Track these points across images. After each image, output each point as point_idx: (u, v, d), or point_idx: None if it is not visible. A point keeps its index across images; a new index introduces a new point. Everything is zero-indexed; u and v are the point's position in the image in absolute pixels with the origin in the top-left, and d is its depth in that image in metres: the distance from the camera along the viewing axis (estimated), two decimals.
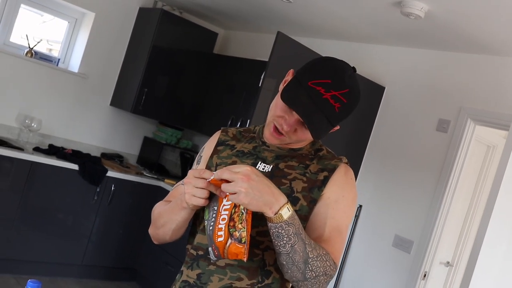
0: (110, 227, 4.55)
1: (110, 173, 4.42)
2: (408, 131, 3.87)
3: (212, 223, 1.27)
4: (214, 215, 1.27)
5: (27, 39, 4.53)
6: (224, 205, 1.25)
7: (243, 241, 1.23)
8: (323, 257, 1.30)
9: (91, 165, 4.34)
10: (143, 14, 4.92)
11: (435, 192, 3.60)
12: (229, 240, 1.23)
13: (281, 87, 1.46)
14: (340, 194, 1.44)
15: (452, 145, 3.59)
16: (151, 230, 1.56)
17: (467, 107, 3.58)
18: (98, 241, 4.50)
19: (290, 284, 1.45)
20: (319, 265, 1.29)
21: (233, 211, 1.24)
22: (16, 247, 4.10)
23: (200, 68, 5.09)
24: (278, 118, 1.41)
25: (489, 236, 2.70)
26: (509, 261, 2.88)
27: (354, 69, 1.41)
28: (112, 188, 4.46)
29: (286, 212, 1.24)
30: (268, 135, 1.46)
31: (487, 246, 2.73)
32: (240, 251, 1.23)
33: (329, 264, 1.32)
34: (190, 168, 5.12)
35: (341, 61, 1.41)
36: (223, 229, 1.24)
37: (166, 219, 1.46)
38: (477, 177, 4.23)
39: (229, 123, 4.55)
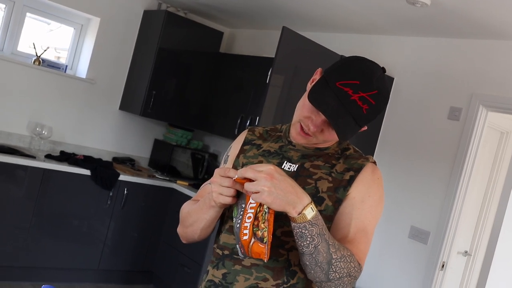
0: (125, 230, 4.56)
1: (122, 177, 4.43)
2: (420, 121, 3.84)
3: (239, 221, 1.27)
4: (241, 213, 1.27)
5: (34, 47, 4.55)
6: (250, 203, 1.26)
7: (264, 241, 1.23)
8: (347, 258, 1.28)
9: (103, 170, 4.35)
10: (147, 16, 4.92)
11: (450, 181, 3.57)
12: (253, 239, 1.23)
13: (308, 86, 1.44)
14: (366, 194, 1.42)
15: (464, 133, 3.55)
16: (179, 229, 1.56)
17: (479, 93, 3.54)
18: (113, 245, 4.52)
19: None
20: (342, 266, 1.27)
21: (258, 209, 1.24)
22: (32, 254, 4.12)
23: (207, 68, 5.08)
24: (305, 119, 1.40)
25: (507, 222, 2.67)
26: None
27: (383, 69, 1.38)
28: (125, 191, 4.46)
29: (310, 212, 1.22)
30: (295, 135, 1.45)
31: (506, 232, 2.70)
32: (262, 250, 1.23)
33: (353, 266, 1.30)
34: (201, 168, 5.05)
35: (370, 61, 1.38)
36: (248, 228, 1.24)
37: (195, 218, 1.46)
38: (492, 164, 4.18)
39: (238, 121, 4.54)
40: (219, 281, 1.43)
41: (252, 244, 1.23)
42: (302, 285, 1.41)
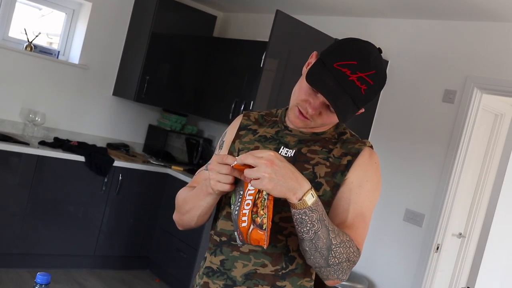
0: (120, 216, 4.56)
1: (117, 163, 4.42)
2: (414, 104, 3.84)
3: (237, 208, 1.26)
4: (239, 199, 1.26)
5: (26, 33, 4.50)
6: (249, 189, 1.24)
7: (263, 228, 1.22)
8: (346, 243, 1.29)
9: (98, 156, 4.34)
10: (140, 1, 4.87)
11: (444, 164, 3.58)
12: (252, 226, 1.22)
13: (304, 70, 1.44)
14: (363, 179, 1.42)
15: (459, 115, 3.56)
16: (175, 217, 1.55)
17: (473, 76, 3.53)
18: (109, 231, 4.53)
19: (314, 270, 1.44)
20: (342, 251, 1.27)
21: (256, 196, 1.23)
22: (28, 241, 4.12)
23: (200, 52, 5.05)
24: (302, 102, 1.39)
25: (501, 203, 2.68)
26: None
27: (379, 50, 1.37)
28: (120, 177, 4.46)
29: (310, 198, 1.22)
30: (293, 119, 1.44)
31: (500, 214, 2.72)
32: (261, 237, 1.22)
33: (352, 251, 1.30)
34: (196, 153, 5.02)
35: (367, 42, 1.37)
36: (246, 214, 1.23)
37: (191, 205, 1.45)
38: (486, 147, 4.19)
39: (232, 106, 4.53)
40: (217, 267, 1.43)
41: (251, 231, 1.22)
42: (301, 270, 1.42)
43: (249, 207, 1.23)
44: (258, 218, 1.22)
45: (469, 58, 3.59)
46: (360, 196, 1.40)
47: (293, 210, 1.23)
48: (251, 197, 1.24)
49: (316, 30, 3.70)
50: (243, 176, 1.24)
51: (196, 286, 1.50)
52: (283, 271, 1.39)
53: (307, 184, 1.22)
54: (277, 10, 3.46)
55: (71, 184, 4.27)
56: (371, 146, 1.48)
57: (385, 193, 3.88)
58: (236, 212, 1.26)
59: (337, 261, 1.28)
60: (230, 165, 1.25)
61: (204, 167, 1.57)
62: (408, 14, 3.86)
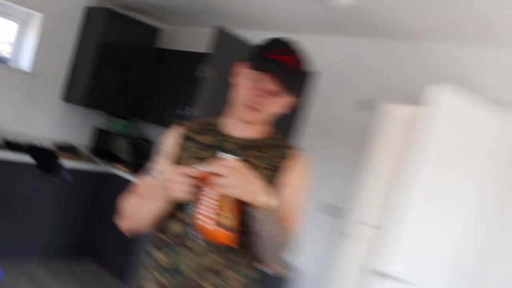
0: (69, 214, 4.71)
1: (65, 163, 4.55)
2: (333, 113, 4.17)
3: (196, 209, 1.30)
4: (200, 201, 1.30)
5: None
6: (209, 192, 1.29)
7: (231, 229, 1.26)
8: (289, 235, 1.46)
9: (47, 157, 4.46)
10: (89, 13, 5.03)
11: (359, 164, 3.94)
12: (218, 228, 1.25)
13: (235, 80, 1.55)
14: (299, 178, 1.55)
15: (372, 121, 3.92)
16: (124, 224, 1.56)
17: (385, 87, 3.91)
18: (58, 229, 4.65)
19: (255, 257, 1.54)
20: (286, 243, 1.45)
21: (220, 198, 1.27)
22: None
23: (145, 62, 5.24)
24: (248, 96, 1.47)
25: (413, 197, 3.13)
26: (423, 216, 3.29)
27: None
28: (68, 177, 4.60)
29: (272, 200, 1.34)
30: (245, 114, 1.49)
31: (415, 203, 3.17)
32: (230, 238, 1.26)
33: (292, 240, 1.48)
34: (140, 155, 5.08)
35: (274, 37, 1.56)
36: (209, 216, 1.26)
37: (144, 212, 1.48)
38: (397, 148, 4.55)
39: (174, 111, 4.74)
40: (166, 263, 1.49)
41: (217, 232, 1.25)
42: (247, 261, 1.52)
43: (211, 209, 1.27)
44: (225, 220, 1.26)
45: (381, 72, 3.95)
46: (296, 193, 1.56)
47: (256, 211, 1.34)
48: (211, 201, 1.27)
49: (250, 43, 4.03)
50: (202, 182, 1.31)
51: (143, 280, 1.55)
52: (231, 263, 1.48)
53: (268, 188, 1.37)
54: (214, 25, 3.72)
55: (21, 185, 4.34)
56: (298, 149, 1.63)
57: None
58: (198, 214, 1.29)
59: (281, 251, 1.46)
60: (190, 175, 1.32)
61: (148, 175, 1.61)
62: (332, 31, 4.19)
